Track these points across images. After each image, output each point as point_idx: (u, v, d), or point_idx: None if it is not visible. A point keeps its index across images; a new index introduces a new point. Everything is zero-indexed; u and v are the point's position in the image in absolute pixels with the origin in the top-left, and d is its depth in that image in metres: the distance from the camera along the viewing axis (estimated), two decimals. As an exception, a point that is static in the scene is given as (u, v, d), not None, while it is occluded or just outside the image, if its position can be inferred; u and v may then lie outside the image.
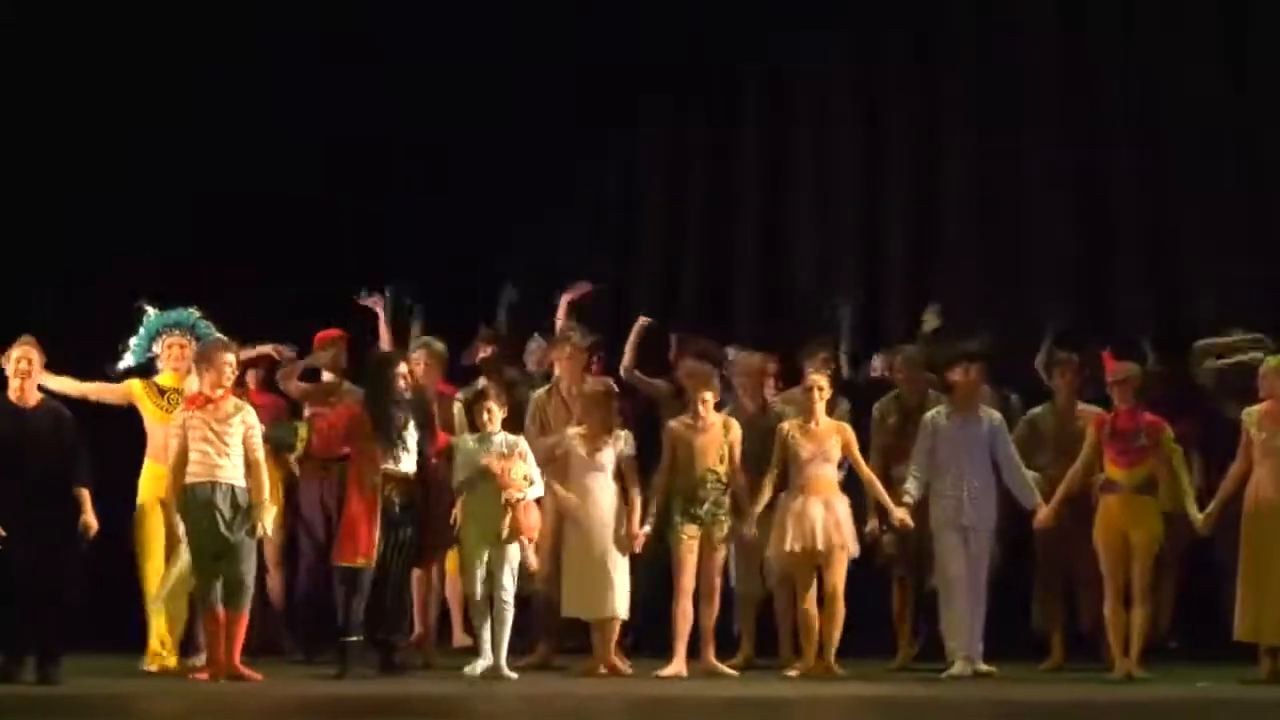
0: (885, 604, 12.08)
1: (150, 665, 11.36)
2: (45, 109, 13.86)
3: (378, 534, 11.18)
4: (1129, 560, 11.27)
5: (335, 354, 12.46)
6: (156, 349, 11.74)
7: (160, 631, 11.37)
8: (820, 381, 11.66)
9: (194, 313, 11.77)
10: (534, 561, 11.47)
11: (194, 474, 10.83)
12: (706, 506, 11.42)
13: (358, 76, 14.27)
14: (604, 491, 11.49)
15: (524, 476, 11.26)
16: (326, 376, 12.53)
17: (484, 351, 12.74)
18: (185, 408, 11.00)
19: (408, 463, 11.36)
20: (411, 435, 11.34)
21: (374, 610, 11.28)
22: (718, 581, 11.55)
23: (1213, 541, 11.65)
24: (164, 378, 11.71)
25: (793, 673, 11.51)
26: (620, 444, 11.55)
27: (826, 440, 11.52)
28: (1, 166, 13.58)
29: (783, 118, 15.02)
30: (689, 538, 11.43)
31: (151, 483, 11.44)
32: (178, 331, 11.72)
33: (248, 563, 10.93)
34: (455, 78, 14.34)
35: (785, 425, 11.60)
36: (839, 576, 11.40)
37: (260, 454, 11.00)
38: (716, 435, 11.48)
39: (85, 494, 10.80)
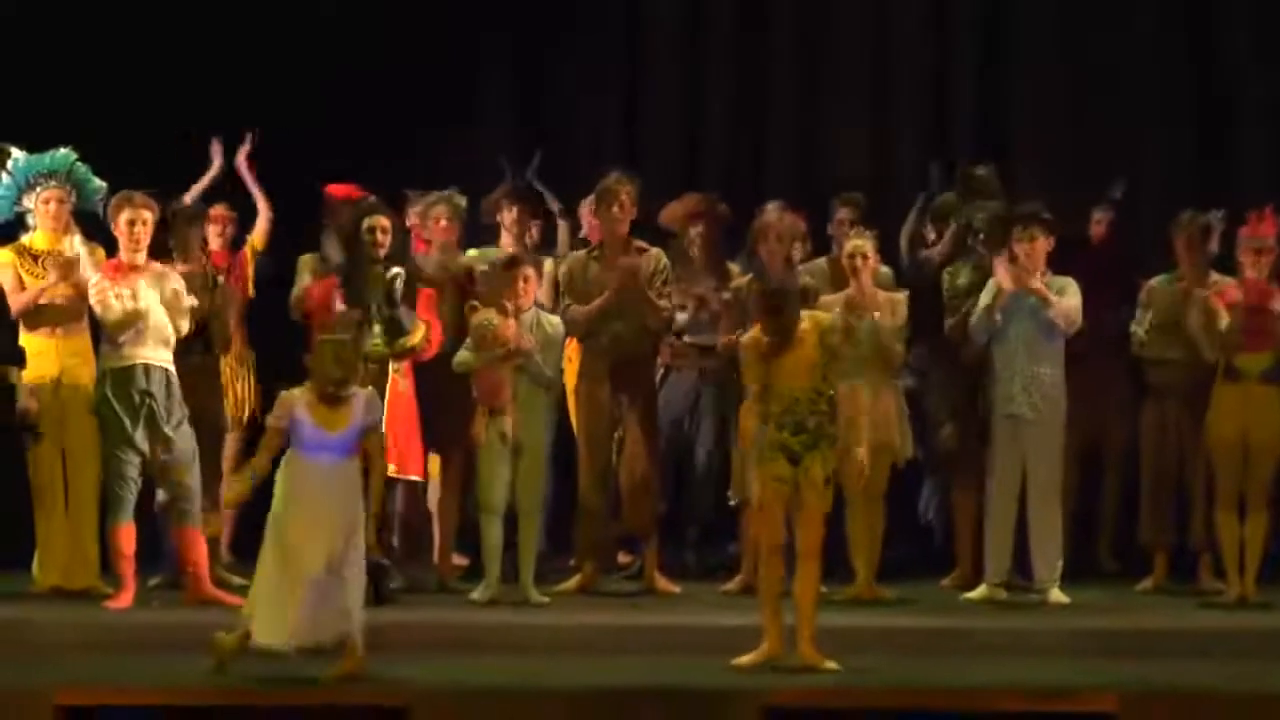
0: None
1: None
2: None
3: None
4: (1247, 462, 9.74)
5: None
6: (28, 203, 9.84)
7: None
8: (864, 247, 9.93)
9: (70, 154, 9.87)
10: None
11: (121, 356, 9.40)
12: (803, 436, 8.39)
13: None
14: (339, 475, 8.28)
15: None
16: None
17: (509, 212, 10.75)
18: (102, 278, 9.47)
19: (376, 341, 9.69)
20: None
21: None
22: (820, 541, 8.36)
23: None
24: (37, 239, 9.82)
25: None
26: (368, 401, 8.36)
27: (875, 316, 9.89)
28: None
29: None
30: (778, 480, 8.34)
31: (34, 360, 9.69)
32: (54, 183, 9.81)
33: (191, 462, 9.46)
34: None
35: (827, 299, 9.79)
36: (882, 478, 9.81)
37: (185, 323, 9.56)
38: (810, 335, 8.48)
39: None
